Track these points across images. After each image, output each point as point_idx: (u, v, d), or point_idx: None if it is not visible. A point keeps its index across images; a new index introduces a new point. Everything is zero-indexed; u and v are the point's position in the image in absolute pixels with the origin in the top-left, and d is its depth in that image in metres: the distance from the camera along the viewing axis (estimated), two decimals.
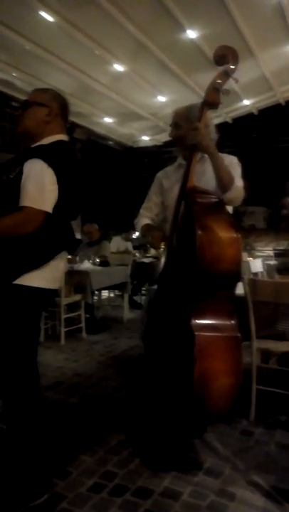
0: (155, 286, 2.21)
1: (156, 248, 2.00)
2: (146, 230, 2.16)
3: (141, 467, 2.01)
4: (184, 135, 1.98)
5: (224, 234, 1.73)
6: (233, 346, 1.72)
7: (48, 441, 1.81)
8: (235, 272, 1.76)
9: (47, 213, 1.64)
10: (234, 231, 1.75)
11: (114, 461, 2.06)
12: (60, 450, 2.14)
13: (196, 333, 1.65)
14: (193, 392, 1.65)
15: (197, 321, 1.69)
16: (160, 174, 2.30)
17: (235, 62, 1.92)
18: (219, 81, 1.88)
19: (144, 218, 2.24)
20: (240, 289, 2.39)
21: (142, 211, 2.29)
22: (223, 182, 1.88)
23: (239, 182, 1.96)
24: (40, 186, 1.64)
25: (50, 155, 1.68)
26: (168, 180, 2.20)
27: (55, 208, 1.68)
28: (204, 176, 1.97)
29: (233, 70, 1.91)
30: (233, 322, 1.76)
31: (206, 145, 1.87)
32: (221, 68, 1.92)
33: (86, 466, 2.02)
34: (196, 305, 1.72)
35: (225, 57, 1.91)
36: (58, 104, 1.84)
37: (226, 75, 1.90)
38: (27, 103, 1.83)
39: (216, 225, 1.73)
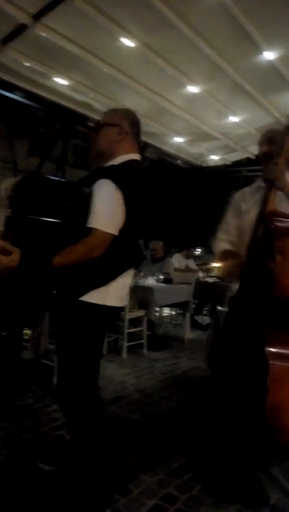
0: (224, 308, 2.17)
1: (228, 279, 1.94)
2: (224, 255, 2.09)
3: (202, 494, 1.96)
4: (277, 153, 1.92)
5: None
6: None
7: (110, 456, 1.82)
8: None
9: (114, 236, 1.65)
10: None
11: (175, 485, 2.03)
12: (121, 466, 2.14)
13: (271, 362, 1.59)
14: (264, 423, 1.59)
15: (272, 349, 1.63)
16: (237, 196, 2.25)
17: None
18: None
19: (222, 242, 2.19)
20: None
21: (219, 234, 2.24)
22: None
23: None
24: (108, 208, 1.65)
25: (119, 176, 1.68)
26: (245, 203, 2.16)
27: (122, 228, 1.68)
28: (286, 201, 1.91)
29: None
30: None
31: (282, 185, 1.83)
32: None
33: (147, 486, 2.00)
34: (271, 332, 1.66)
35: None
36: (128, 123, 1.85)
37: None
38: (99, 125, 1.86)
39: None
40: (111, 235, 1.65)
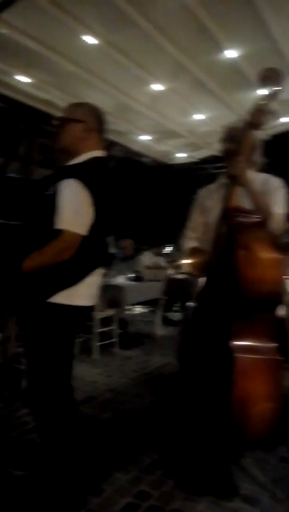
0: (192, 304, 2.19)
1: (197, 275, 1.97)
2: (191, 254, 2.13)
3: (175, 489, 1.97)
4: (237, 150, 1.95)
5: (266, 255, 1.70)
6: (273, 369, 1.68)
7: (81, 456, 1.81)
8: (277, 293, 1.72)
9: (82, 236, 1.63)
10: (276, 252, 1.71)
11: (148, 481, 2.04)
12: (94, 466, 2.13)
13: (237, 355, 1.62)
14: (232, 415, 1.62)
15: (238, 343, 1.66)
16: (202, 193, 2.27)
17: (282, 84, 1.89)
18: (264, 102, 1.87)
19: (189, 241, 2.21)
20: (281, 311, 2.34)
21: (186, 232, 2.26)
22: (261, 214, 1.86)
23: (279, 210, 1.93)
24: (76, 208, 1.62)
25: (86, 174, 1.66)
26: (210, 199, 2.17)
27: (90, 228, 1.67)
28: (247, 197, 1.95)
29: (279, 92, 1.90)
30: (274, 344, 1.72)
31: (244, 182, 1.87)
32: (266, 89, 1.90)
33: (120, 485, 2.00)
34: (236, 326, 1.70)
35: (271, 78, 1.89)
36: (93, 119, 1.82)
37: (272, 96, 1.89)
38: (62, 120, 1.81)
39: (258, 246, 1.70)
40: (80, 235, 1.63)
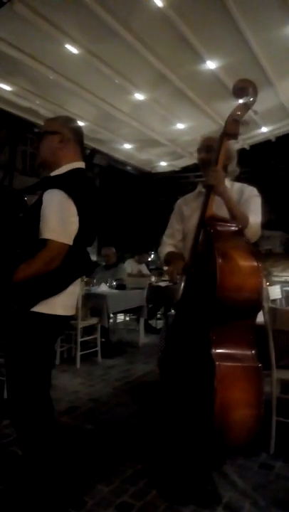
0: (173, 312, 2.21)
1: (175, 279, 2.00)
2: (169, 258, 2.14)
3: (157, 499, 1.96)
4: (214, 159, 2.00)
5: (245, 262, 1.73)
6: (254, 376, 1.70)
7: (63, 469, 1.79)
8: (256, 301, 1.75)
9: (69, 246, 1.64)
10: (255, 259, 1.74)
11: (130, 492, 2.02)
12: (76, 478, 2.10)
13: (217, 363, 1.63)
14: (213, 422, 1.62)
15: (218, 351, 1.68)
16: (180, 201, 2.32)
17: (255, 94, 1.95)
18: (239, 113, 1.92)
19: (167, 246, 2.24)
20: (260, 318, 2.37)
21: (164, 238, 2.30)
22: (238, 223, 1.91)
23: (255, 218, 1.98)
24: (62, 218, 1.63)
25: (69, 185, 1.67)
26: (188, 208, 2.22)
27: (75, 237, 1.67)
28: (224, 206, 1.98)
29: (253, 103, 1.95)
30: (253, 352, 1.74)
31: (221, 191, 1.91)
32: (240, 100, 1.95)
33: (102, 496, 1.98)
34: (216, 334, 1.71)
35: (244, 89, 1.95)
36: (68, 129, 1.83)
37: (246, 107, 1.94)
38: (40, 134, 1.84)
39: (236, 254, 1.74)
40: (66, 245, 1.63)
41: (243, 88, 1.96)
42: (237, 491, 2.04)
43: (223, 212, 1.94)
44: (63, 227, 1.63)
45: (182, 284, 1.99)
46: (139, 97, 5.81)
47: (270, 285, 5.63)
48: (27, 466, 1.78)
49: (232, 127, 1.93)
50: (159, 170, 9.57)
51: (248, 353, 1.72)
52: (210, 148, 2.06)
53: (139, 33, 4.45)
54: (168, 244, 2.25)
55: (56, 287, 1.69)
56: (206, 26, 4.42)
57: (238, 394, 1.66)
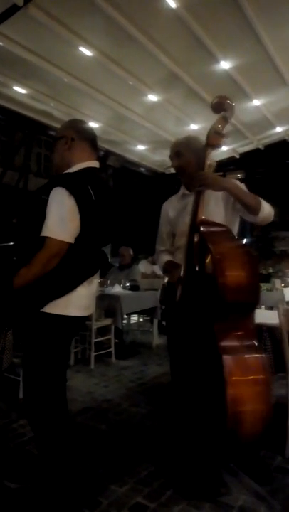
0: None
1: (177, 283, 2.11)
2: (166, 267, 2.27)
3: (172, 501, 1.96)
4: (187, 164, 2.17)
5: (241, 260, 1.83)
6: (260, 366, 1.74)
7: (78, 469, 1.80)
8: (255, 295, 1.83)
9: (69, 243, 1.64)
10: (249, 255, 1.86)
11: (144, 493, 2.02)
12: (90, 478, 2.11)
13: (224, 356, 1.67)
14: (226, 416, 1.63)
15: (223, 344, 1.72)
16: (165, 204, 2.42)
17: (231, 108, 2.10)
18: (219, 126, 2.07)
19: (162, 255, 2.34)
20: (275, 319, 2.35)
21: (157, 247, 2.39)
22: (251, 205, 2.00)
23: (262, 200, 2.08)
24: (61, 216, 1.63)
25: (73, 183, 1.67)
26: (173, 209, 2.32)
27: (80, 236, 1.67)
28: (207, 208, 2.06)
29: (230, 115, 2.10)
30: (256, 343, 1.81)
31: (221, 186, 2.01)
32: (219, 115, 2.09)
33: (116, 497, 1.98)
34: (219, 329, 1.76)
35: (221, 104, 2.09)
36: (72, 130, 1.85)
37: (225, 120, 2.08)
38: (51, 145, 1.90)
39: (232, 253, 1.85)
40: (65, 243, 1.63)
41: (219, 103, 2.10)
42: (252, 495, 2.02)
43: (211, 207, 2.09)
44: (62, 225, 1.63)
45: (180, 287, 2.08)
46: (152, 98, 5.82)
47: (285, 286, 5.57)
48: (42, 466, 1.79)
49: (214, 139, 2.06)
50: (173, 171, 9.55)
51: (251, 343, 1.79)
52: (179, 154, 2.22)
53: (152, 34, 4.46)
54: (162, 252, 2.36)
55: (64, 288, 1.69)
56: (219, 26, 4.41)
57: (248, 384, 1.69)
